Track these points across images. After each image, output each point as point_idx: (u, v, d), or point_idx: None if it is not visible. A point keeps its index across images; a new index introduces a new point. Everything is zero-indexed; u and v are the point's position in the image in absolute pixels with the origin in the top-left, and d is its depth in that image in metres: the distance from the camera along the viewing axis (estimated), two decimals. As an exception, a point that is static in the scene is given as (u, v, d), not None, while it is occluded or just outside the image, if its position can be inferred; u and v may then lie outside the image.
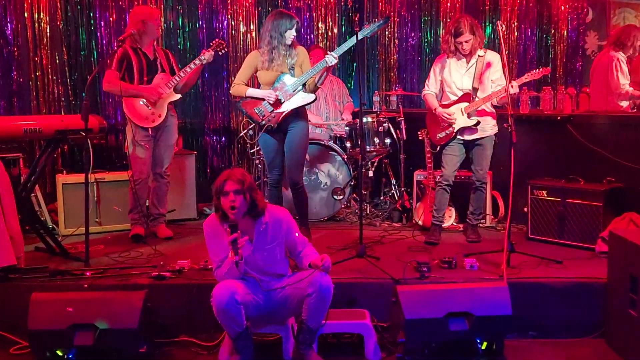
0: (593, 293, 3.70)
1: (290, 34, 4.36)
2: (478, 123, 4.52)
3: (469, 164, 4.71)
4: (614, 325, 3.55)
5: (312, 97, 4.43)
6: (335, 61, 4.25)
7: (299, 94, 4.40)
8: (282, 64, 4.41)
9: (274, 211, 3.35)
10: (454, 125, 4.57)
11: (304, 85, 4.40)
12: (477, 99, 4.51)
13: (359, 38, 4.23)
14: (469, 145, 4.64)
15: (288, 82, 4.39)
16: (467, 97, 4.55)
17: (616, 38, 5.64)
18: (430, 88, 4.72)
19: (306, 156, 5.24)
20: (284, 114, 4.41)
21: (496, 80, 4.53)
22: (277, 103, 4.39)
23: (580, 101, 5.38)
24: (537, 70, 4.34)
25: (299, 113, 4.47)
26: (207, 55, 4.66)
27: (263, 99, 4.42)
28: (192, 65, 4.67)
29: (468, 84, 4.55)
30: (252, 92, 4.46)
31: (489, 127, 4.60)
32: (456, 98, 4.60)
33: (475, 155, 4.64)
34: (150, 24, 4.65)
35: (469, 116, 4.53)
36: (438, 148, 4.81)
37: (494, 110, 4.63)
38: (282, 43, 4.36)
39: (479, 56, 4.52)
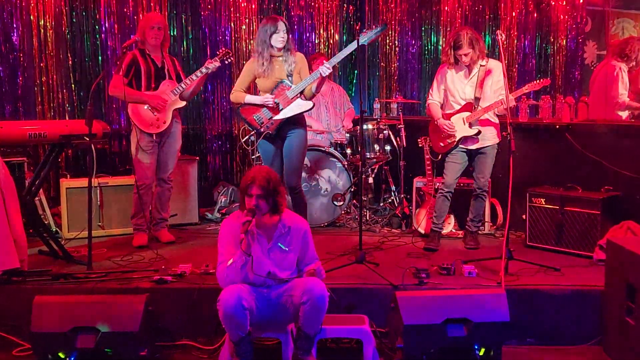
0: (590, 300, 3.73)
1: (278, 37, 4.37)
2: (479, 132, 4.56)
3: (470, 171, 4.75)
4: (611, 333, 3.56)
5: (309, 104, 4.46)
6: (329, 72, 4.29)
7: (296, 100, 4.43)
8: (280, 70, 4.44)
9: (296, 219, 3.42)
10: (455, 135, 4.61)
11: (301, 92, 4.45)
12: (478, 109, 4.56)
13: (356, 46, 4.26)
14: (471, 154, 4.68)
15: (286, 89, 4.43)
16: (468, 106, 4.59)
17: (620, 49, 5.66)
18: (434, 97, 4.76)
19: (307, 162, 5.29)
20: (281, 121, 4.45)
21: (497, 90, 4.57)
22: (276, 109, 4.43)
23: (579, 110, 5.42)
24: (537, 81, 4.38)
25: (297, 120, 4.50)
26: (212, 65, 4.70)
27: (262, 106, 4.46)
28: (198, 74, 4.70)
29: (470, 93, 4.59)
30: (250, 98, 4.50)
31: (491, 136, 4.63)
32: (459, 107, 4.64)
33: (477, 163, 4.68)
34: (147, 31, 4.67)
35: (470, 126, 4.57)
36: (440, 156, 4.85)
37: (496, 120, 4.68)
38: (270, 48, 4.39)
39: (480, 65, 4.56)
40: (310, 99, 4.47)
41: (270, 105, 4.42)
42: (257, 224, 3.27)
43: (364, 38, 4.31)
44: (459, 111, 4.63)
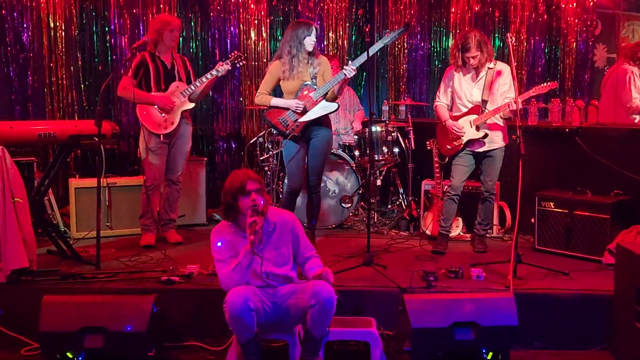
0: (599, 305, 3.71)
1: (310, 41, 4.40)
2: (486, 136, 4.55)
3: (478, 174, 4.74)
4: (620, 338, 3.55)
5: (334, 105, 4.47)
6: (354, 73, 4.28)
7: (321, 102, 4.43)
8: (305, 72, 4.45)
9: (281, 213, 3.45)
10: (462, 138, 4.60)
11: (325, 94, 4.44)
12: (486, 112, 4.54)
13: (381, 46, 4.28)
14: (478, 156, 4.67)
15: (311, 91, 4.44)
16: (476, 109, 4.57)
17: (632, 52, 5.65)
18: (441, 99, 4.75)
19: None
20: (306, 123, 4.45)
21: (504, 93, 4.56)
22: (302, 113, 4.44)
23: (589, 113, 5.39)
24: (544, 84, 4.34)
25: (322, 121, 4.51)
26: (222, 68, 4.70)
27: (287, 109, 4.46)
28: (209, 76, 4.70)
29: (478, 96, 4.57)
30: (276, 101, 4.51)
31: (498, 138, 4.62)
32: (466, 110, 4.63)
33: (484, 166, 4.67)
34: (165, 34, 4.69)
35: (477, 129, 4.56)
36: (447, 159, 4.84)
37: (503, 123, 4.66)
38: (302, 51, 4.41)
39: (488, 68, 4.54)
40: (332, 101, 4.49)
41: (299, 111, 4.42)
42: (244, 226, 3.24)
43: (387, 39, 4.30)
44: (466, 114, 4.62)
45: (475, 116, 4.56)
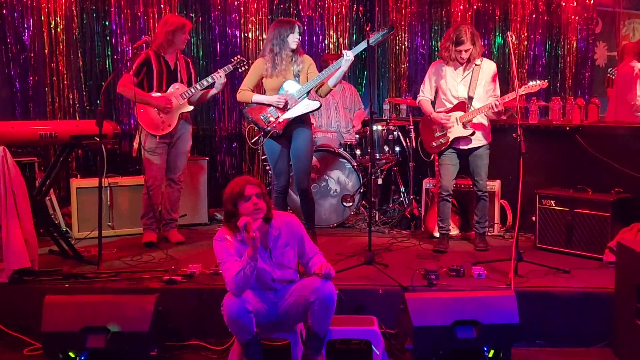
0: (600, 303, 3.71)
1: (294, 38, 4.40)
2: (473, 133, 4.52)
3: (467, 172, 4.73)
4: (620, 335, 3.55)
5: (316, 104, 4.48)
6: (352, 59, 4.29)
7: (303, 101, 4.45)
8: (287, 70, 4.45)
9: (284, 216, 3.45)
10: (448, 135, 4.57)
11: (308, 92, 4.45)
12: (472, 109, 4.51)
13: (364, 46, 4.29)
14: (463, 154, 4.64)
15: (293, 89, 4.44)
16: (462, 105, 4.53)
17: (638, 49, 5.65)
18: (425, 94, 4.70)
19: (316, 163, 5.29)
20: (288, 120, 4.46)
21: (489, 90, 4.54)
22: (283, 109, 4.44)
23: (589, 111, 5.39)
24: (533, 83, 4.27)
25: (303, 119, 4.52)
26: (218, 77, 4.68)
27: (269, 105, 4.47)
28: (210, 79, 4.70)
29: (463, 92, 4.54)
30: (258, 98, 4.51)
31: (482, 136, 4.59)
32: (451, 106, 4.59)
33: (473, 167, 4.63)
34: (179, 36, 4.71)
35: (464, 126, 4.53)
36: (432, 157, 4.80)
37: (487, 120, 4.63)
38: (285, 48, 4.41)
39: (475, 65, 4.51)
40: (325, 95, 4.51)
41: (280, 106, 4.42)
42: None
43: (372, 39, 4.31)
44: (451, 110, 4.58)
45: (461, 113, 4.53)
